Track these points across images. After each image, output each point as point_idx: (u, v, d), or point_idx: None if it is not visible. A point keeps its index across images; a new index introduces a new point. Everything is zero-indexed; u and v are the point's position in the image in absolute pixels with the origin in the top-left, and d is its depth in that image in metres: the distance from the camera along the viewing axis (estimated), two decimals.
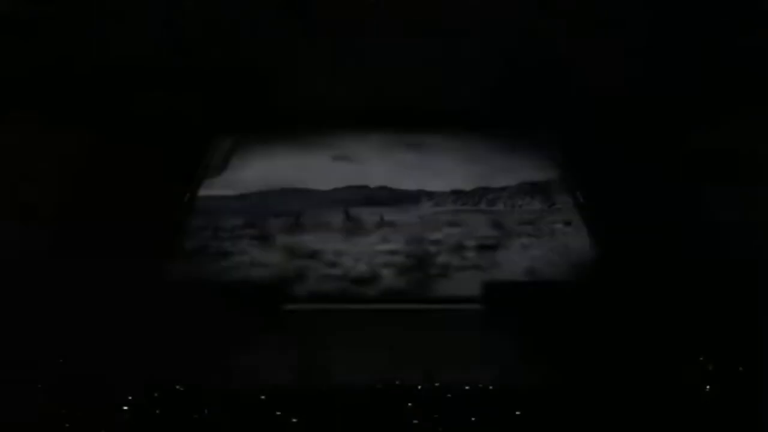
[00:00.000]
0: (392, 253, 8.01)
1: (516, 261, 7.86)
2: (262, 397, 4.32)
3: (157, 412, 4.06)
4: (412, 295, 7.50)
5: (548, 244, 8.08)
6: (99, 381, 4.48)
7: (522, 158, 8.97)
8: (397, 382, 4.53)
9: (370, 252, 8.02)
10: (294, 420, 4.04)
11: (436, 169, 8.95)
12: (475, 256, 7.95)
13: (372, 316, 7.16)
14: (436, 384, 4.49)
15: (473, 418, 4.03)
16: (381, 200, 8.77)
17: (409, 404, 4.18)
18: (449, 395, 4.36)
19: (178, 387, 4.52)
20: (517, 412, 4.12)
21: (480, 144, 9.09)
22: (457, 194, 8.91)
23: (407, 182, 8.89)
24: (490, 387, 4.50)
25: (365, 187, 8.91)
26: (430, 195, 8.88)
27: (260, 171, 8.87)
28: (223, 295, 7.25)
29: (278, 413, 4.10)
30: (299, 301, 7.44)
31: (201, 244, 8.05)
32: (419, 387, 4.48)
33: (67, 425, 3.93)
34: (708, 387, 4.65)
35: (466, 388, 4.47)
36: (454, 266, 7.82)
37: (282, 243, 8.17)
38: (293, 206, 8.66)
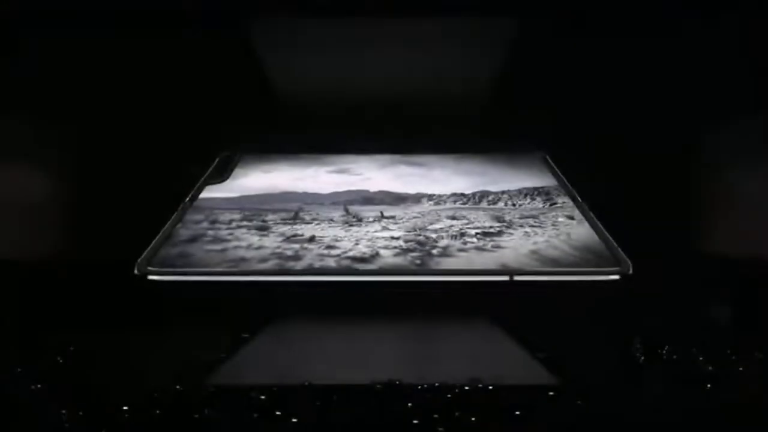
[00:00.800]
0: (392, 238, 8.05)
1: (519, 245, 7.90)
2: (262, 397, 4.31)
3: (157, 412, 4.05)
4: (412, 271, 7.55)
5: (551, 232, 8.11)
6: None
7: (521, 169, 8.99)
8: (397, 382, 4.53)
9: (369, 238, 8.06)
10: (294, 420, 4.03)
11: (436, 178, 8.98)
12: (478, 241, 7.99)
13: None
14: (436, 384, 4.49)
15: (473, 418, 4.02)
16: (380, 201, 8.79)
17: (409, 404, 4.17)
18: (449, 395, 4.35)
19: (178, 387, 4.51)
20: (517, 412, 4.11)
21: (479, 160, 9.10)
22: (458, 196, 8.92)
23: (407, 188, 8.93)
24: (490, 387, 4.50)
25: (365, 191, 8.92)
26: (430, 197, 8.90)
27: (261, 179, 8.94)
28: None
29: (278, 413, 4.09)
30: (296, 274, 7.53)
31: (197, 233, 8.09)
32: (419, 387, 4.48)
33: (67, 425, 3.92)
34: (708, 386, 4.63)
35: (466, 388, 4.48)
36: (456, 248, 7.86)
37: (280, 231, 8.21)
38: (292, 206, 8.69)
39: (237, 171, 8.95)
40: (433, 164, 9.11)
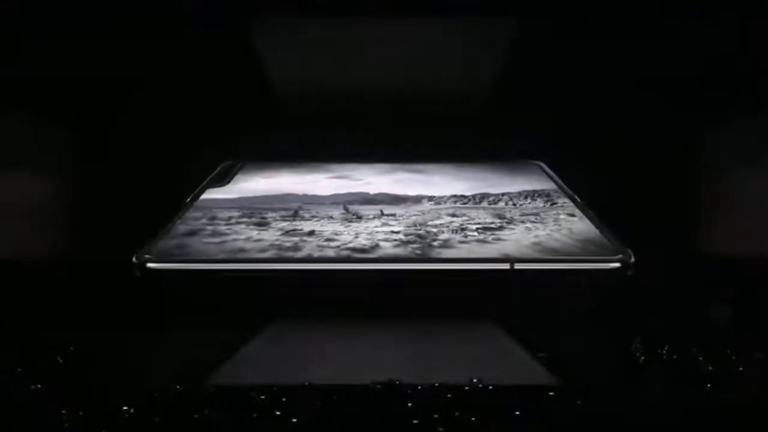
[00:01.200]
0: (392, 232, 8.06)
1: (521, 237, 7.91)
2: (262, 397, 4.31)
3: (157, 412, 4.04)
4: (412, 259, 7.61)
5: (553, 227, 8.13)
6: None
7: (520, 175, 9.00)
8: (397, 382, 4.53)
9: (369, 232, 8.08)
10: (294, 420, 4.03)
11: (436, 183, 9.02)
12: (479, 234, 8.01)
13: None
14: (436, 384, 4.49)
15: (473, 418, 4.01)
16: (380, 202, 8.81)
17: (409, 404, 4.17)
18: (449, 395, 4.35)
19: (178, 387, 4.51)
20: (517, 412, 4.10)
21: (479, 167, 9.10)
22: (458, 197, 8.94)
23: (407, 191, 8.96)
24: (490, 387, 4.50)
25: (365, 193, 8.95)
26: (430, 198, 8.92)
27: (261, 184, 8.96)
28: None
29: (278, 413, 4.09)
30: (295, 262, 7.58)
31: (196, 228, 8.12)
32: (419, 387, 4.48)
33: (67, 425, 3.92)
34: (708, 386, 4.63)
35: (466, 388, 4.47)
36: (457, 240, 7.89)
37: (279, 226, 8.23)
38: (292, 205, 8.71)
39: (238, 177, 9.00)
40: (433, 171, 9.15)
